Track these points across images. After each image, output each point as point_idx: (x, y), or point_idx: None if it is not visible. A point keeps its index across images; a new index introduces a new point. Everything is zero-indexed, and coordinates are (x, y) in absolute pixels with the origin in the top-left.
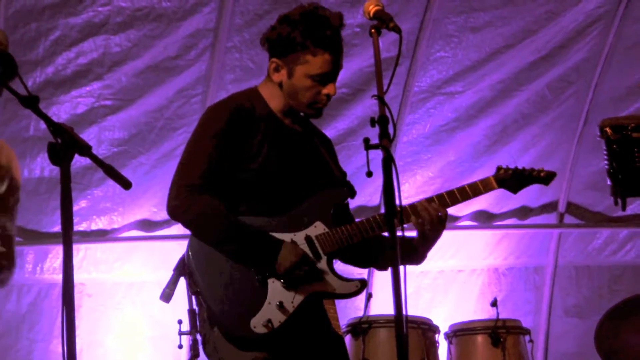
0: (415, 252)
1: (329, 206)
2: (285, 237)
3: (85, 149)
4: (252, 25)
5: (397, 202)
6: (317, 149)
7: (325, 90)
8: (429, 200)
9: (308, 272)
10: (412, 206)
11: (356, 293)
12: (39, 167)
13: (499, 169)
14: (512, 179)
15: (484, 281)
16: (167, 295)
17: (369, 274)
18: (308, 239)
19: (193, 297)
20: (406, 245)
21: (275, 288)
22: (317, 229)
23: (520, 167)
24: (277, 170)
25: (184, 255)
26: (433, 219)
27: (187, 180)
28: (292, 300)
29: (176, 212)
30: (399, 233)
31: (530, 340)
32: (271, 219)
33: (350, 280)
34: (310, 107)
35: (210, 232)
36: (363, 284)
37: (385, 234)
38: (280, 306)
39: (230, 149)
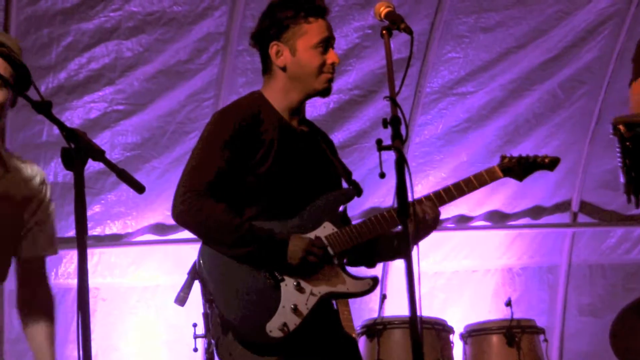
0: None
1: (337, 206)
2: None
3: (98, 154)
4: None
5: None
6: (322, 149)
7: (329, 60)
8: (429, 198)
9: (323, 259)
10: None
11: (369, 291)
12: (53, 173)
13: (502, 157)
14: (516, 167)
15: (498, 281)
16: (181, 298)
17: (383, 275)
18: (317, 239)
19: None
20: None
21: (288, 291)
22: (326, 229)
23: (524, 154)
24: (286, 173)
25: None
26: (430, 218)
27: (193, 185)
28: (306, 302)
29: (183, 217)
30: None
31: (545, 340)
32: (280, 221)
33: (362, 279)
34: (319, 80)
35: (220, 235)
36: (375, 282)
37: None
38: (295, 309)
39: (239, 156)
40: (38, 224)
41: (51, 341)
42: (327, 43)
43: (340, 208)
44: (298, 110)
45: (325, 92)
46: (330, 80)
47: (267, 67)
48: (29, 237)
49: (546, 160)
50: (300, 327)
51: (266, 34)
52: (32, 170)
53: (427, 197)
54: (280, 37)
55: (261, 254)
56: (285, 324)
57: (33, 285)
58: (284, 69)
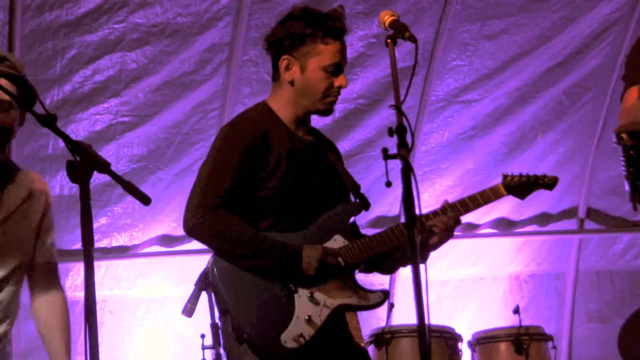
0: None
1: (347, 219)
2: None
3: (104, 166)
4: None
5: (417, 211)
6: (330, 161)
7: (337, 83)
8: (438, 213)
9: (336, 272)
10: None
11: (379, 304)
12: (59, 185)
13: (505, 176)
14: (518, 186)
15: (506, 288)
16: (189, 310)
17: (391, 284)
18: (329, 252)
19: (216, 312)
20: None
21: (302, 302)
22: (337, 242)
23: (524, 173)
24: (295, 186)
25: (205, 269)
26: (443, 229)
27: (205, 198)
28: (320, 313)
29: (197, 229)
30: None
31: (554, 347)
32: (291, 234)
33: (373, 292)
34: (323, 102)
35: (233, 247)
36: (386, 295)
37: None
38: (309, 320)
39: (249, 170)
40: (47, 231)
41: (67, 344)
42: (337, 67)
43: (351, 220)
44: (304, 120)
45: (326, 112)
46: (332, 103)
47: (276, 76)
48: (39, 244)
49: (546, 180)
50: (314, 338)
51: (279, 44)
52: (37, 179)
53: (435, 213)
54: (293, 52)
55: (275, 265)
56: (301, 335)
57: (48, 290)
58: (291, 83)
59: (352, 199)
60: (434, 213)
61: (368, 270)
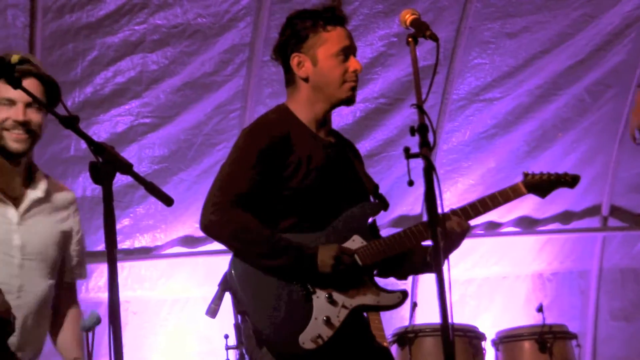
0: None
1: (366, 219)
2: None
3: (126, 167)
4: None
5: (440, 210)
6: (350, 161)
7: (351, 67)
8: (455, 212)
9: (353, 271)
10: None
11: (398, 304)
12: (81, 187)
13: (525, 175)
14: (539, 184)
15: (529, 287)
16: (212, 310)
17: (413, 284)
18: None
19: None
20: (426, 255)
21: (320, 303)
22: (355, 242)
23: (545, 172)
24: (316, 187)
25: (228, 270)
26: (457, 232)
27: (223, 197)
28: (338, 314)
29: (214, 228)
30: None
31: (578, 345)
32: (310, 234)
33: (392, 292)
34: (342, 88)
35: (250, 247)
36: (404, 295)
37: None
38: (327, 321)
39: (269, 172)
40: (74, 249)
41: (78, 338)
42: (347, 51)
43: (369, 220)
44: (324, 121)
45: (349, 100)
46: (353, 88)
47: (290, 79)
48: (67, 262)
49: (567, 178)
50: (332, 339)
51: (287, 45)
52: (67, 194)
53: (454, 212)
54: (301, 48)
55: (292, 265)
56: (319, 336)
57: (66, 308)
58: (306, 79)
59: (371, 199)
60: (453, 212)
61: (384, 274)
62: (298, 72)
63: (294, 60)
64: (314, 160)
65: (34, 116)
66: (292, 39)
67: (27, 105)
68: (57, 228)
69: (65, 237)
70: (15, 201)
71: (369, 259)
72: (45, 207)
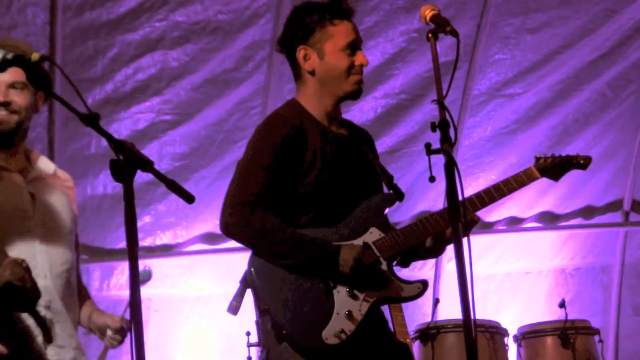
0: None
1: (382, 211)
2: None
3: (147, 165)
4: None
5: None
6: (364, 153)
7: (357, 61)
8: (473, 200)
9: (373, 265)
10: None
11: (419, 295)
12: (102, 185)
13: (537, 158)
14: (552, 167)
15: (551, 282)
16: (234, 307)
17: (435, 280)
18: (366, 245)
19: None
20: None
21: (341, 298)
22: (373, 234)
23: (557, 154)
24: (332, 181)
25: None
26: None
27: (241, 197)
28: (360, 308)
29: (233, 228)
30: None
31: (600, 340)
32: (328, 229)
33: (412, 283)
34: (348, 81)
35: (269, 246)
36: (425, 285)
37: None
38: (349, 315)
39: (285, 168)
40: (75, 226)
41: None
42: (354, 45)
43: (386, 211)
44: (335, 113)
45: (355, 94)
46: (359, 82)
47: (297, 73)
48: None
49: (580, 160)
50: (355, 333)
51: (293, 38)
52: (70, 180)
53: (470, 199)
54: (307, 41)
55: (312, 264)
56: (342, 330)
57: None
58: (312, 73)
59: (385, 190)
60: (469, 200)
61: (405, 264)
62: (304, 65)
63: (300, 52)
64: (328, 155)
65: (17, 97)
66: (298, 32)
67: (10, 86)
68: (69, 206)
69: (75, 218)
70: (22, 172)
71: (388, 251)
72: (54, 182)
